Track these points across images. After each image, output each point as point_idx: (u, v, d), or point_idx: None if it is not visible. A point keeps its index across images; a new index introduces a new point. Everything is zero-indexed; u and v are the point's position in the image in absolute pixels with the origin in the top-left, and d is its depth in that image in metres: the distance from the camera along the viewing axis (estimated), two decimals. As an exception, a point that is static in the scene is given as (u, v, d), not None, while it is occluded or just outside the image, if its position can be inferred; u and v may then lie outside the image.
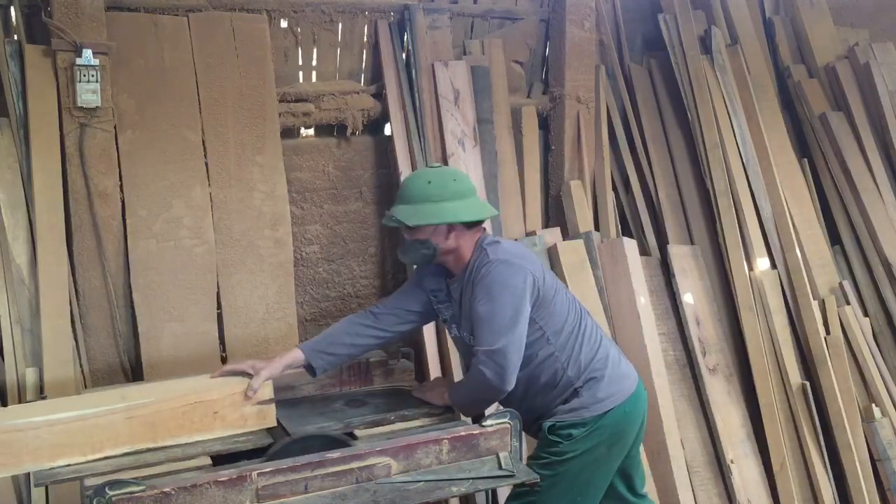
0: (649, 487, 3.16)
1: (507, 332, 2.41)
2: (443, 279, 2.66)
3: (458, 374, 3.30)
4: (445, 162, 3.58)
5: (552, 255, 3.65)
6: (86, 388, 2.90)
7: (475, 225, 2.58)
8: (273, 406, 2.54)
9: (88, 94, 2.91)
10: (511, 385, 2.45)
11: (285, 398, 2.72)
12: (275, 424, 2.55)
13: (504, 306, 2.41)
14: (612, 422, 2.55)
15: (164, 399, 2.40)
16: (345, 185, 3.60)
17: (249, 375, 2.49)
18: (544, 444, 2.59)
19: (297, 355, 2.58)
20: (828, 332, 3.79)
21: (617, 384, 2.59)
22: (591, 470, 2.57)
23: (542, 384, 2.58)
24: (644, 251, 3.91)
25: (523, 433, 2.57)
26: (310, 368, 2.61)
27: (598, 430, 2.54)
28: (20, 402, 2.77)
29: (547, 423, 2.57)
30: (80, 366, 2.94)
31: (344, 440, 2.45)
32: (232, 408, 2.48)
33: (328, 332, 2.69)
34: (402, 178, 3.50)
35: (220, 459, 2.36)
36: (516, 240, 3.61)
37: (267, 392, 2.52)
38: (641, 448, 2.84)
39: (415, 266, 2.88)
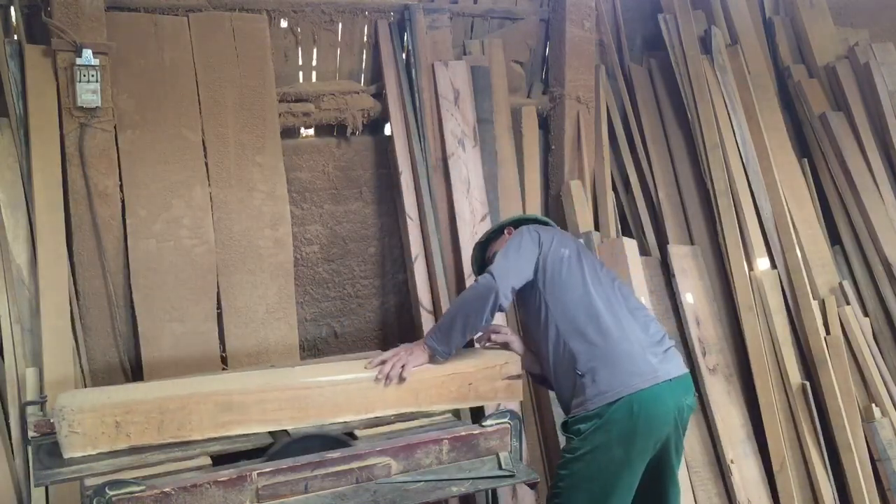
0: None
1: (503, 258, 2.64)
2: None
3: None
4: (445, 162, 3.58)
5: (552, 255, 3.65)
6: (85, 388, 2.90)
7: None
8: (521, 382, 2.75)
9: (88, 94, 2.91)
10: (500, 286, 2.54)
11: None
12: (521, 399, 2.84)
13: (508, 248, 2.70)
14: (620, 417, 2.47)
15: (426, 369, 2.60)
16: (345, 185, 3.60)
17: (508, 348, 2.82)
18: (564, 444, 2.61)
19: None
20: (828, 332, 3.79)
21: (621, 378, 2.50)
22: (608, 471, 2.50)
23: (560, 371, 2.62)
24: (644, 251, 3.91)
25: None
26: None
27: (605, 426, 2.48)
28: (19, 402, 2.77)
29: (561, 421, 2.61)
30: (80, 366, 2.94)
31: (344, 440, 2.45)
32: (485, 381, 2.68)
33: None
34: (402, 177, 3.51)
35: (220, 459, 2.36)
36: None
37: (515, 368, 2.73)
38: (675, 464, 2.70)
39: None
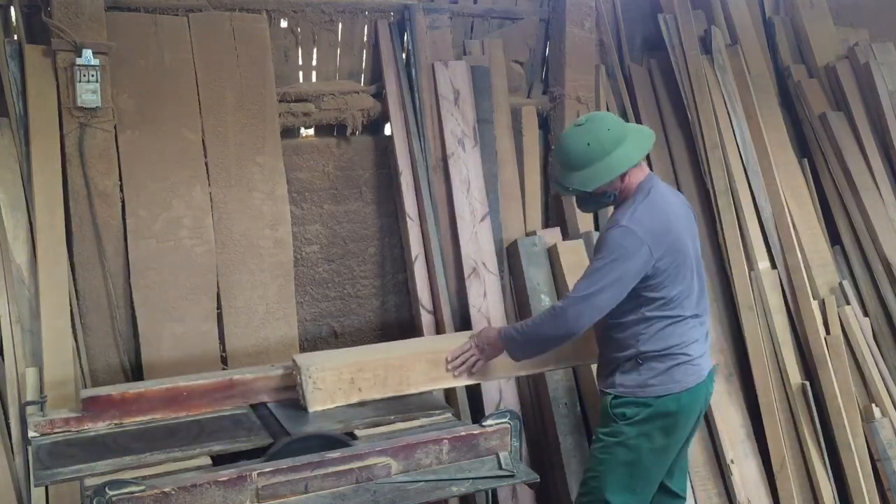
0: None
1: (597, 290, 2.51)
2: None
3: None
4: (445, 162, 3.58)
5: (552, 255, 3.65)
6: (86, 388, 2.90)
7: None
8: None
9: (88, 94, 2.91)
10: (578, 331, 2.57)
11: (285, 398, 2.72)
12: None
13: (608, 268, 2.51)
14: (668, 409, 2.61)
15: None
16: (345, 185, 3.60)
17: None
18: (603, 423, 2.71)
19: None
20: (828, 332, 3.79)
21: (677, 375, 2.63)
22: (649, 457, 2.64)
23: (615, 340, 2.67)
24: (644, 251, 3.90)
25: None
26: None
27: (653, 416, 2.61)
28: (19, 402, 2.77)
29: (609, 397, 2.67)
30: (80, 366, 2.94)
31: (344, 440, 2.45)
32: None
33: None
34: (402, 177, 3.51)
35: (220, 459, 2.36)
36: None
37: None
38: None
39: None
